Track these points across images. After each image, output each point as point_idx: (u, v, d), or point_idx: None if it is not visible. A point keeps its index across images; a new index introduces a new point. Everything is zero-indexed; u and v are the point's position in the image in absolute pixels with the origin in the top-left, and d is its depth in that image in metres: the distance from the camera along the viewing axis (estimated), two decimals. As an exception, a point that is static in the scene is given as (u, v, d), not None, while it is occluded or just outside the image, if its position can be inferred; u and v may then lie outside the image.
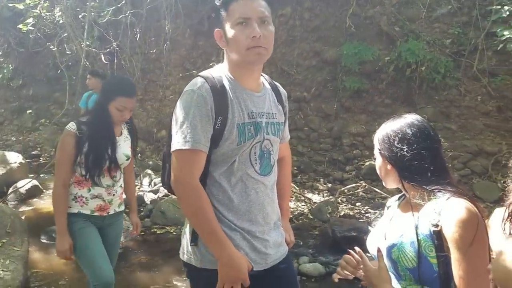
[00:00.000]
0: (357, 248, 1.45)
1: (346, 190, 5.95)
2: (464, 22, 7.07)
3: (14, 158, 6.28)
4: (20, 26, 6.55)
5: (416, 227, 1.29)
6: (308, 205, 5.60)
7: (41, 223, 4.98)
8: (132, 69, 8.27)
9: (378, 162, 1.47)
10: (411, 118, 1.43)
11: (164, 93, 8.50)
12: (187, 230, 1.62)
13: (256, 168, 1.58)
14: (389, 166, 1.41)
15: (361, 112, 7.35)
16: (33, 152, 7.98)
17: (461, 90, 6.75)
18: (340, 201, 5.71)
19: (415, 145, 1.36)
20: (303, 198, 5.83)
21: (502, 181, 5.87)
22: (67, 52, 7.91)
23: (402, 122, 1.42)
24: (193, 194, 1.46)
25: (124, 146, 2.57)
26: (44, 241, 4.60)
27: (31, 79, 9.25)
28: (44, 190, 6.13)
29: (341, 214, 5.25)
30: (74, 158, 2.37)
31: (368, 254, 1.47)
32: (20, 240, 3.58)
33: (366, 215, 5.35)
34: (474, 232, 1.20)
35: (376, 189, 5.89)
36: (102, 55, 7.29)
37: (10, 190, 5.80)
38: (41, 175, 6.49)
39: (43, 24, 7.67)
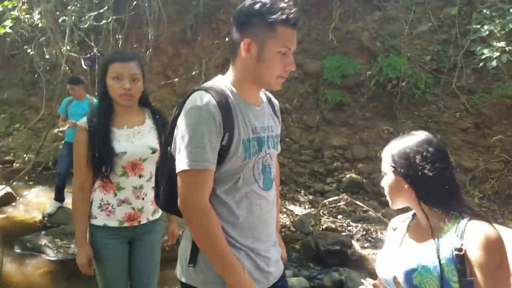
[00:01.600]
0: (369, 280, 1.42)
1: (327, 203, 5.96)
2: (444, 39, 7.27)
3: (-13, 164, 6.04)
4: (-2, 28, 6.36)
5: (438, 251, 1.27)
6: (290, 217, 5.58)
7: (15, 232, 4.79)
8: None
9: (389, 180, 1.43)
10: (425, 135, 1.40)
11: (144, 100, 8.38)
12: (184, 248, 1.56)
13: (260, 183, 1.54)
14: (406, 185, 1.36)
15: (342, 125, 7.41)
16: (6, 158, 7.70)
17: (440, 106, 6.91)
18: (322, 213, 5.71)
19: (437, 164, 1.32)
20: (285, 210, 5.80)
21: (478, 196, 6.01)
22: (46, 56, 7.71)
23: (419, 139, 1.38)
24: (203, 217, 1.40)
25: (148, 137, 2.14)
26: (18, 251, 4.41)
27: (6, 82, 8.97)
28: (18, 198, 5.92)
29: (324, 227, 5.25)
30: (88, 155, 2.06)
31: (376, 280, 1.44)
32: (-5, 251, 3.42)
33: (348, 228, 5.35)
34: (500, 256, 1.20)
35: (358, 202, 5.92)
36: (82, 60, 7.13)
37: (-19, 197, 5.56)
38: (15, 182, 6.26)
39: (21, 27, 7.46)
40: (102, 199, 2.13)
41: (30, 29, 7.76)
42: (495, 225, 1.29)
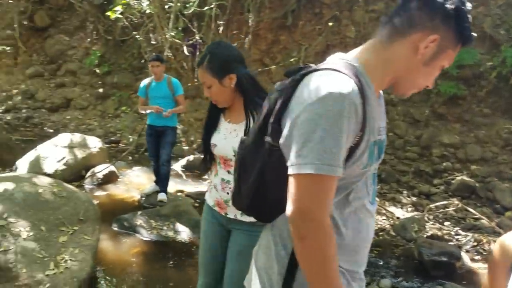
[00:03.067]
0: None
1: (434, 207, 5.35)
2: None
3: (94, 143, 6.39)
4: (109, 13, 6.67)
5: None
6: (390, 220, 5.09)
7: (114, 210, 4.97)
8: (212, 62, 8.18)
9: None
10: None
11: (241, 87, 8.33)
12: (270, 265, 1.27)
13: (369, 197, 1.24)
14: None
15: (455, 121, 6.63)
16: (112, 138, 8.17)
17: None
18: (427, 218, 5.12)
19: None
20: (384, 211, 5.32)
21: None
22: (151, 42, 7.99)
23: None
24: (325, 236, 1.08)
25: (233, 138, 2.02)
26: (115, 229, 4.55)
27: (116, 67, 9.52)
28: (120, 177, 6.17)
29: (429, 234, 4.69)
30: None
31: None
32: (92, 228, 3.50)
33: (456, 237, 4.73)
34: None
35: (470, 209, 5.23)
36: (184, 47, 7.23)
37: (88, 174, 5.89)
38: (118, 162, 6.57)
39: (131, 13, 7.79)
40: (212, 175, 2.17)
41: (139, 15, 8.07)
42: None
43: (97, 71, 9.52)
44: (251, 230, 2.01)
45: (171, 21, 6.87)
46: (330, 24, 7.78)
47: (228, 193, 2.05)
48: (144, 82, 5.15)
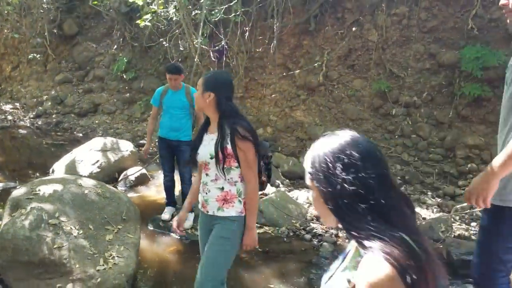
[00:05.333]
0: None
1: (460, 208, 5.41)
2: None
3: (126, 146, 6.63)
4: (138, 21, 6.92)
5: (348, 281, 1.09)
6: (417, 220, 5.17)
7: (148, 211, 5.17)
8: (237, 67, 8.36)
9: (312, 192, 1.17)
10: (351, 135, 1.12)
11: (264, 91, 8.49)
12: None
13: None
14: (321, 200, 1.11)
15: (480, 122, 6.67)
16: (140, 141, 8.42)
17: None
18: (453, 219, 5.20)
19: (362, 174, 1.05)
20: (410, 211, 5.40)
21: None
22: (179, 48, 8.22)
23: (341, 140, 1.10)
24: None
25: (211, 145, 2.44)
26: (151, 228, 4.76)
27: (142, 72, 9.79)
28: (151, 179, 6.39)
29: (456, 234, 4.76)
30: None
31: None
32: (134, 227, 3.71)
33: (484, 238, 4.78)
34: None
35: (497, 210, 5.27)
36: (211, 53, 7.44)
37: (121, 177, 6.13)
38: (150, 164, 6.80)
39: (157, 20, 8.04)
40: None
41: (166, 22, 8.32)
42: None
43: (124, 76, 9.81)
44: (224, 223, 2.46)
45: (200, 28, 7.08)
46: (354, 29, 7.88)
47: (206, 193, 2.50)
48: (159, 89, 4.74)
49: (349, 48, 7.94)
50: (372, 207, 1.05)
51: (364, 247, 1.03)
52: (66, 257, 3.01)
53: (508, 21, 2.10)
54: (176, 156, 4.77)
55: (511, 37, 6.73)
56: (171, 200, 5.03)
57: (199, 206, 2.60)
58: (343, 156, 1.07)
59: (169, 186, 4.96)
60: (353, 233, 1.06)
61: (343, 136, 1.12)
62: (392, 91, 7.38)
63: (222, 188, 2.45)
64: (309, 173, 1.15)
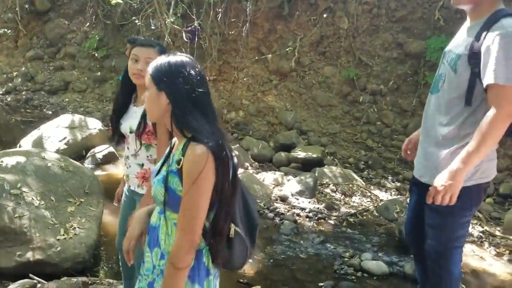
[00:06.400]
0: None
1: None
2: None
3: (94, 124, 6.63)
4: (110, -1, 6.87)
5: (168, 166, 1.51)
6: (374, 202, 5.41)
7: (114, 188, 5.21)
8: (210, 49, 8.40)
9: (151, 93, 1.49)
10: (190, 58, 1.52)
11: (237, 75, 8.56)
12: None
13: None
14: (166, 102, 1.48)
15: (441, 111, 6.94)
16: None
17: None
18: (407, 201, 5.45)
19: (198, 88, 1.46)
20: (369, 194, 5.64)
21: None
22: (151, 27, 8.18)
23: (184, 60, 1.50)
24: None
25: (133, 118, 2.33)
26: (116, 205, 4.82)
27: (114, 51, 9.68)
28: (119, 158, 6.42)
29: (410, 215, 5.01)
30: None
31: None
32: (97, 201, 3.78)
33: (437, 219, 5.05)
34: (199, 170, 1.38)
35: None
36: (183, 33, 7.44)
37: (88, 154, 6.14)
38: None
39: (131, -2, 7.97)
40: None
41: (139, 0, 8.26)
42: None
43: (96, 55, 9.70)
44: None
45: (171, 7, 7.06)
46: (325, 15, 8.01)
47: (127, 168, 2.42)
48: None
49: (321, 35, 8.07)
50: (198, 111, 1.47)
51: (191, 137, 1.45)
52: (27, 226, 3.08)
53: (451, 1, 2.16)
54: None
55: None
56: None
57: (124, 178, 2.55)
58: (185, 71, 1.47)
59: None
60: (181, 126, 1.47)
61: (185, 57, 1.52)
62: (360, 79, 7.57)
63: (142, 165, 2.38)
64: (152, 75, 1.49)
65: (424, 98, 7.01)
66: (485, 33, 1.97)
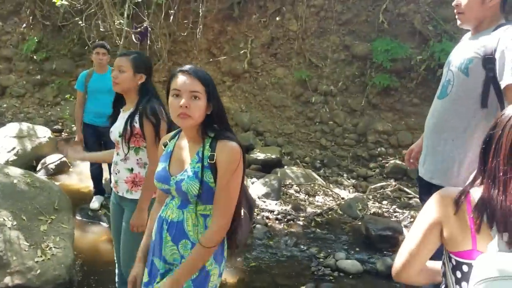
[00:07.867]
0: None
1: (374, 188, 5.97)
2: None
3: (43, 133, 6.25)
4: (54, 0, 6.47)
5: (201, 161, 1.65)
6: (336, 200, 5.63)
7: (74, 200, 4.93)
8: (161, 51, 8.22)
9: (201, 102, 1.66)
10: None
11: (188, 76, 8.43)
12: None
13: None
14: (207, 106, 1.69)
15: (388, 110, 7.35)
16: (54, 127, 7.94)
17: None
18: (367, 198, 5.73)
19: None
20: (330, 192, 5.85)
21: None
22: (95, 28, 7.84)
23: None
24: None
25: (121, 123, 2.44)
26: (79, 218, 4.62)
27: (55, 53, 9.13)
28: (71, 167, 6.13)
29: (371, 211, 5.28)
30: None
31: None
32: (67, 217, 3.60)
33: (395, 214, 5.37)
34: (237, 163, 1.61)
35: (406, 189, 5.92)
36: (133, 34, 7.21)
37: (40, 165, 5.80)
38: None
39: (73, -2, 7.56)
40: None
41: (83, 0, 7.87)
42: None
43: (34, 57, 9.09)
44: (131, 206, 2.43)
45: (118, 7, 6.81)
46: (277, 18, 8.13)
47: (116, 174, 2.47)
48: (84, 73, 4.58)
49: (271, 37, 8.19)
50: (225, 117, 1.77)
51: (216, 136, 1.67)
52: (2, 250, 2.88)
53: (458, 22, 2.28)
54: (103, 143, 4.63)
55: (416, 31, 7.44)
56: (99, 188, 4.92)
57: (111, 185, 2.57)
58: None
59: (97, 174, 4.86)
60: (225, 126, 1.71)
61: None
62: (312, 80, 7.79)
63: (132, 170, 2.43)
64: (205, 85, 1.68)
65: (371, 98, 7.38)
66: (497, 37, 2.06)
